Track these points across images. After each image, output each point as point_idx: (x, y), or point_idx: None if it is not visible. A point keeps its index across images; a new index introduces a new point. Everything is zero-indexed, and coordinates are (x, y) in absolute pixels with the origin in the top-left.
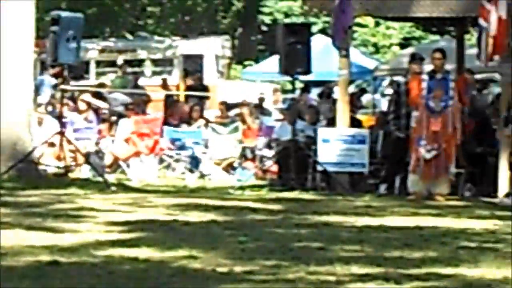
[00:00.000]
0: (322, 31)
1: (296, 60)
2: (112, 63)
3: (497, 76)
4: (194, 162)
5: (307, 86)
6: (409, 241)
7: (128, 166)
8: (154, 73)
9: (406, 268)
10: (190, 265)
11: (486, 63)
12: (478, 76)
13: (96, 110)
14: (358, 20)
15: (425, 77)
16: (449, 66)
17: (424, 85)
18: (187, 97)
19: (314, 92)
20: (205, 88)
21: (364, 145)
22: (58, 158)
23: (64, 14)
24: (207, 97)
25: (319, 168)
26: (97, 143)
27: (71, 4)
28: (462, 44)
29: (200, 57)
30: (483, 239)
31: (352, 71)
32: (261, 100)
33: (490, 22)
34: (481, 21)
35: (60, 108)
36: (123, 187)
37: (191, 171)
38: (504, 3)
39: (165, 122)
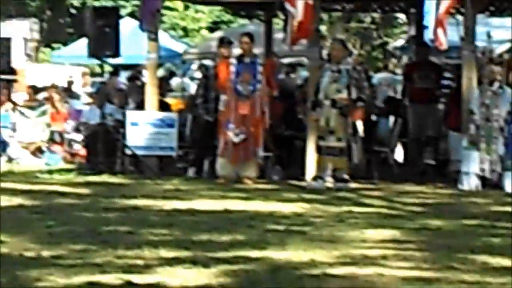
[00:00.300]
0: (131, 14)
1: (105, 43)
2: None
3: (305, 60)
4: (2, 146)
5: (116, 70)
6: (217, 224)
7: None
8: None
9: (214, 251)
10: None
11: (291, 47)
12: (286, 60)
13: None
14: (167, 3)
15: (233, 61)
16: (258, 50)
17: (233, 69)
18: None
19: (123, 76)
20: (12, 71)
21: (173, 128)
22: None
23: None
24: (14, 80)
25: (128, 151)
26: None
27: None
28: (271, 28)
29: (8, 40)
30: (291, 222)
31: (161, 55)
32: (70, 83)
33: (297, 7)
34: (288, 6)
35: None
36: None
37: None
38: None
39: None
